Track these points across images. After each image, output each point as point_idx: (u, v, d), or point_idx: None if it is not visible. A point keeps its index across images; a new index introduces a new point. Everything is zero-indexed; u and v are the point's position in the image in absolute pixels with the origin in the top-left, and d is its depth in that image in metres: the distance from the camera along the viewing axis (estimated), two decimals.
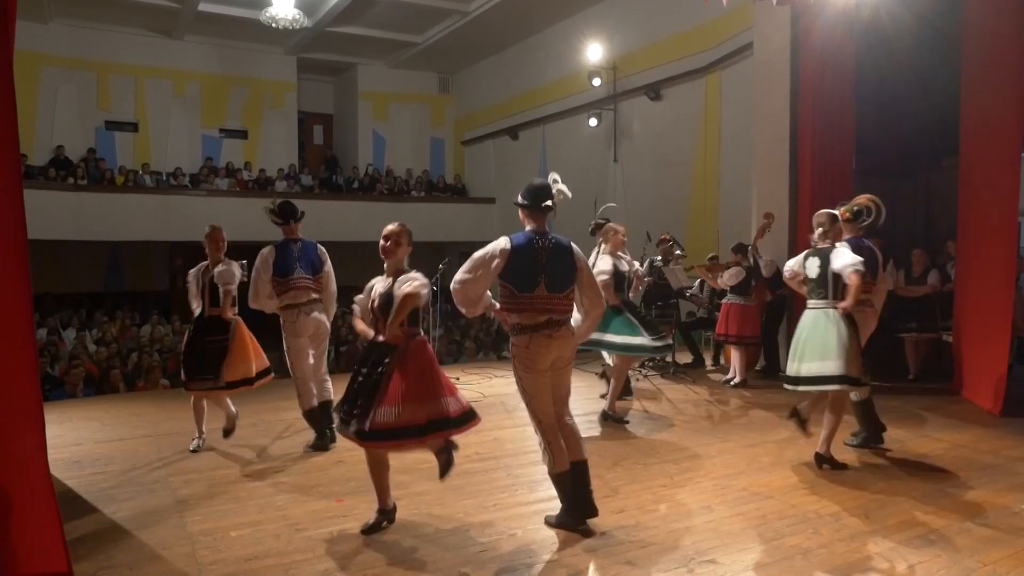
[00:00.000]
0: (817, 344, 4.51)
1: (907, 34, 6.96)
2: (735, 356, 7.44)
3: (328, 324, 5.27)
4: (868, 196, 5.04)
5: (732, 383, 7.36)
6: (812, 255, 4.69)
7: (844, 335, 4.45)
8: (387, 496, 3.67)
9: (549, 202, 3.64)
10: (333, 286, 5.32)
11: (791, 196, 7.94)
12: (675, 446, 5.17)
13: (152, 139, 15.91)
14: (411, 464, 4.81)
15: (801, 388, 4.64)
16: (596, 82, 12.67)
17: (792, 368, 4.65)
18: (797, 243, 7.91)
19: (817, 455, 4.65)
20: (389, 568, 3.23)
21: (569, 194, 3.73)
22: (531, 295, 3.54)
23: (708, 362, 8.76)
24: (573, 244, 3.71)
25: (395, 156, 18.42)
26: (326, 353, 5.36)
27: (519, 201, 3.71)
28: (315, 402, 5.18)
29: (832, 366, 4.44)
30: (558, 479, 3.61)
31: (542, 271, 3.56)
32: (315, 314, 5.13)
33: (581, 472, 3.63)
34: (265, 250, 5.16)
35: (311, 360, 5.21)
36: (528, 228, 3.69)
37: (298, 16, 12.71)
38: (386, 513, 3.67)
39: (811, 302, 4.66)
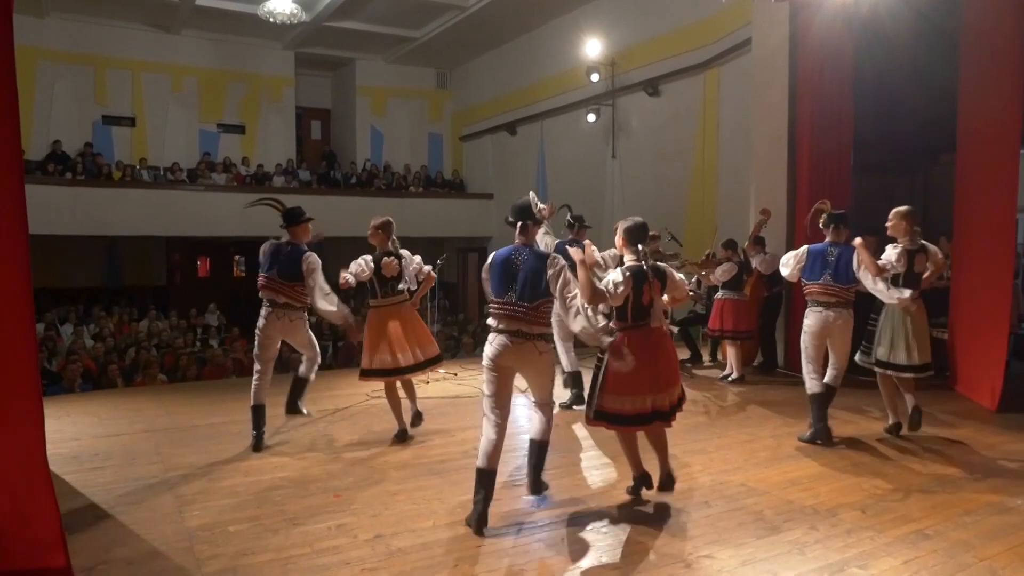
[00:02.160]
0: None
1: (906, 31, 6.96)
2: (731, 352, 7.46)
3: (301, 326, 5.16)
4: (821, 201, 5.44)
5: (729, 379, 7.38)
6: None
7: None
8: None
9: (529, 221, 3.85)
10: (317, 298, 5.00)
11: (789, 192, 7.95)
12: (672, 442, 5.11)
13: (149, 134, 15.85)
14: (409, 459, 4.82)
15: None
16: (594, 78, 12.64)
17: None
18: (795, 239, 7.92)
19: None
20: (388, 562, 3.24)
21: (547, 212, 4.04)
22: (500, 301, 3.75)
23: (705, 358, 8.77)
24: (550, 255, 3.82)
25: (393, 151, 18.39)
26: (314, 362, 5.36)
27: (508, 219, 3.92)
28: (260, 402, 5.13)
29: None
30: None
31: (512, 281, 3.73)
32: (286, 319, 5.05)
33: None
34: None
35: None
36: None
37: (296, 11, 12.68)
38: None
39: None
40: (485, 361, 3.78)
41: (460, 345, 12.15)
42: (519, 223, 3.83)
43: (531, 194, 3.95)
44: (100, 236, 14.91)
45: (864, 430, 5.49)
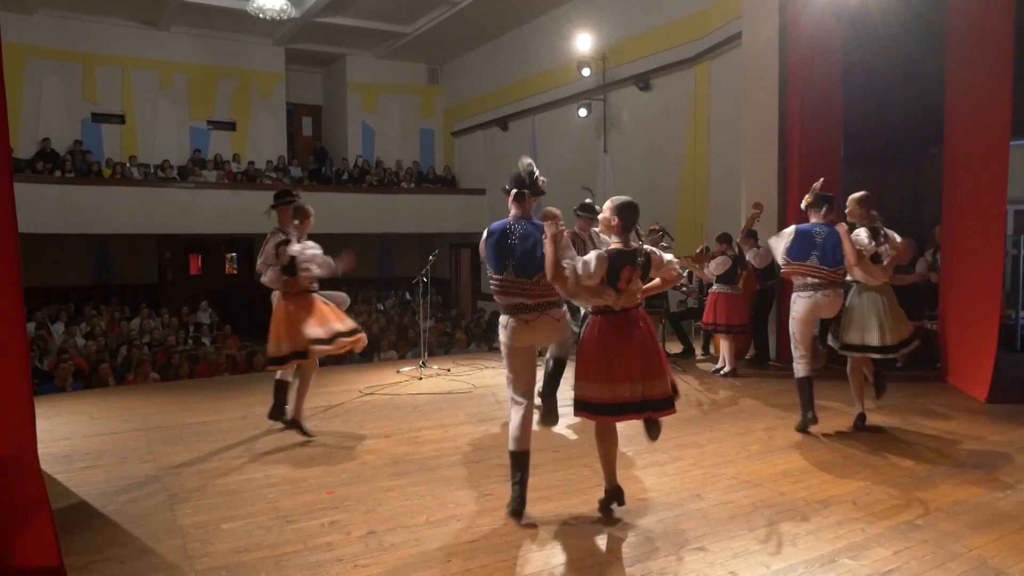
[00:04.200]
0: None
1: (895, 23, 6.99)
2: (724, 345, 7.48)
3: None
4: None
5: (722, 372, 7.41)
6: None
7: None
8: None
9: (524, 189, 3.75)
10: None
11: (780, 185, 7.97)
12: (664, 435, 5.10)
13: (139, 131, 15.77)
14: (402, 455, 4.83)
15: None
16: (586, 72, 12.64)
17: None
18: None
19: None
20: (380, 558, 3.24)
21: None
22: (500, 277, 3.67)
23: (698, 352, 8.80)
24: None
25: (384, 147, 18.35)
26: None
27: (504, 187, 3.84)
28: None
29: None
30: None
31: (509, 255, 3.66)
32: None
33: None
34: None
35: None
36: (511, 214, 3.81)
37: (285, 6, 12.62)
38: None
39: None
40: (503, 346, 3.70)
41: (453, 341, 12.16)
42: (514, 192, 3.74)
43: (526, 160, 3.78)
44: (90, 234, 14.84)
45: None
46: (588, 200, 6.86)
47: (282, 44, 16.72)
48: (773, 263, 7.83)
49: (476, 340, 12.53)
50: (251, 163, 16.38)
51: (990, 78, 6.09)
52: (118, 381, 9.12)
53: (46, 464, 4.07)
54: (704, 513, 3.73)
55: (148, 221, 14.33)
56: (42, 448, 3.25)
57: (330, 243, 5.69)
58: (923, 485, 4.11)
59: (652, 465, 4.54)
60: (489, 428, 5.50)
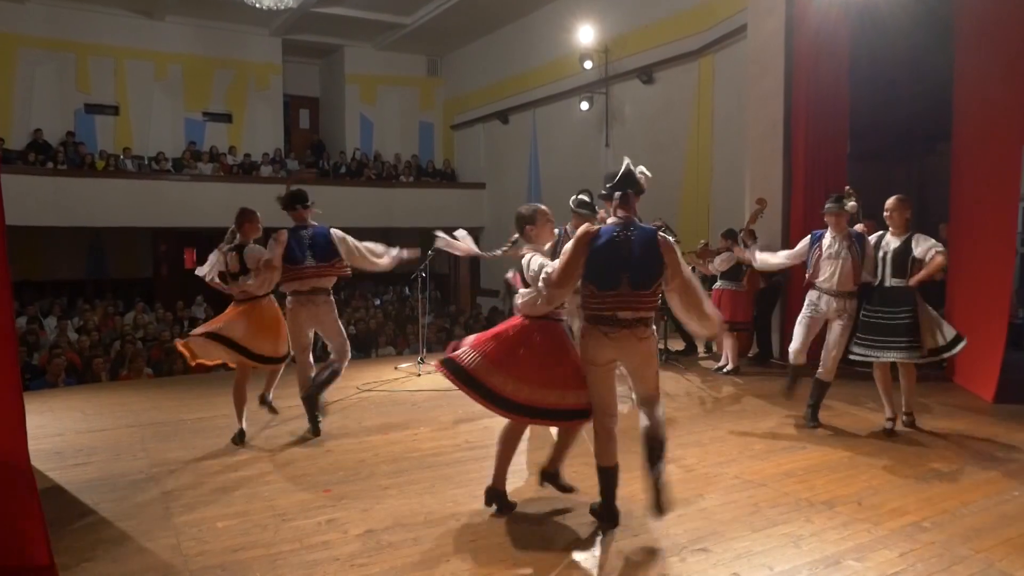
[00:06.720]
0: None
1: (902, 16, 6.91)
2: (727, 343, 7.42)
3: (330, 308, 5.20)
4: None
5: (724, 370, 7.35)
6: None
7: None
8: None
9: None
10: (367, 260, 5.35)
11: (784, 181, 7.90)
12: (667, 433, 5.13)
13: (133, 122, 15.62)
14: (400, 453, 4.77)
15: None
16: (587, 65, 12.55)
17: None
18: (791, 228, 7.88)
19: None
20: (378, 557, 3.18)
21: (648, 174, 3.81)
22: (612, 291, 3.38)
23: (700, 349, 8.74)
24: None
25: (383, 140, 18.24)
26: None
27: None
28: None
29: None
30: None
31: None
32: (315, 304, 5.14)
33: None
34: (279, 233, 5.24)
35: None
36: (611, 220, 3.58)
37: None
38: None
39: None
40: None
41: (452, 337, 12.09)
42: (619, 193, 3.56)
43: (627, 160, 3.70)
44: (84, 227, 14.71)
45: (860, 422, 5.46)
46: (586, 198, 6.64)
47: (279, 35, 16.59)
48: None
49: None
50: (247, 156, 16.27)
51: (1002, 73, 5.99)
52: (111, 376, 9.04)
53: (37, 460, 4.01)
54: (707, 513, 3.68)
55: (142, 214, 14.21)
56: (33, 444, 3.19)
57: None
58: (929, 486, 4.06)
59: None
60: (488, 426, 5.42)
